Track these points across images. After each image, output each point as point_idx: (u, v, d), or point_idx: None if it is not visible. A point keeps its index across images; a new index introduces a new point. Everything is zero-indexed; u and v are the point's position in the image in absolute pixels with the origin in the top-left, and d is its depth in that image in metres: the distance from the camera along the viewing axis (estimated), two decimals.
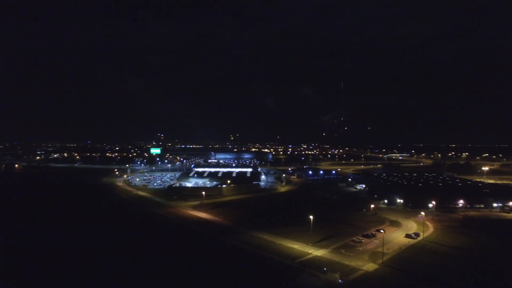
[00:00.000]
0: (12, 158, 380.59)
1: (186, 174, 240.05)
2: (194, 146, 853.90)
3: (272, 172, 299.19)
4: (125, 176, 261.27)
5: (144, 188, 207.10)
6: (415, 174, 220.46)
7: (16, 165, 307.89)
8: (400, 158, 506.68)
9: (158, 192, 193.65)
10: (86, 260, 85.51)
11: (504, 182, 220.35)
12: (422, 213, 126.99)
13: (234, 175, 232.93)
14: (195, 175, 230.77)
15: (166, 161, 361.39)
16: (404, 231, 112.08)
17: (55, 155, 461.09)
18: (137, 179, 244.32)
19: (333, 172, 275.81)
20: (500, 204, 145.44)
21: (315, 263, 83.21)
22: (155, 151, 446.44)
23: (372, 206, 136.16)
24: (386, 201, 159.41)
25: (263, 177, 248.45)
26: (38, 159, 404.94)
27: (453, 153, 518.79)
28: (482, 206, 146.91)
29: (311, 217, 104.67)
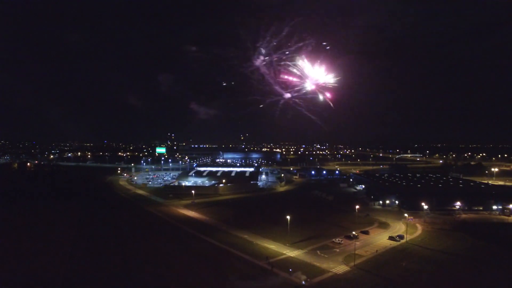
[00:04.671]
0: (26, 157, 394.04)
1: (185, 173, 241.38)
2: (208, 145, 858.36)
3: (275, 172, 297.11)
4: (125, 174, 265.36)
5: (143, 186, 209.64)
6: (418, 175, 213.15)
7: (28, 164, 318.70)
8: (411, 158, 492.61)
9: (155, 190, 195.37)
10: (64, 256, 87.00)
11: None
12: (406, 214, 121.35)
13: (233, 174, 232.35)
14: (194, 174, 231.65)
15: (169, 160, 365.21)
16: (391, 233, 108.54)
17: (69, 154, 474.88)
18: (138, 178, 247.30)
19: (337, 172, 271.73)
20: (500, 207, 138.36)
21: (285, 263, 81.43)
22: (161, 150, 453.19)
23: (358, 207, 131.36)
24: (381, 202, 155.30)
25: (263, 176, 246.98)
26: (51, 158, 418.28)
27: (468, 153, 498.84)
28: (481, 208, 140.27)
29: (288, 217, 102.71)
